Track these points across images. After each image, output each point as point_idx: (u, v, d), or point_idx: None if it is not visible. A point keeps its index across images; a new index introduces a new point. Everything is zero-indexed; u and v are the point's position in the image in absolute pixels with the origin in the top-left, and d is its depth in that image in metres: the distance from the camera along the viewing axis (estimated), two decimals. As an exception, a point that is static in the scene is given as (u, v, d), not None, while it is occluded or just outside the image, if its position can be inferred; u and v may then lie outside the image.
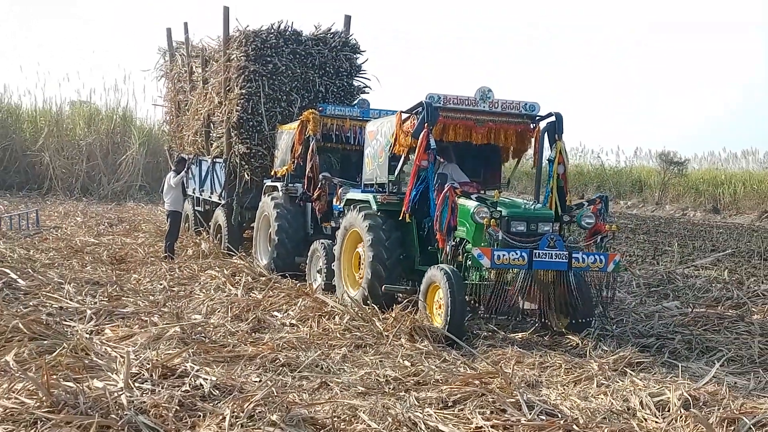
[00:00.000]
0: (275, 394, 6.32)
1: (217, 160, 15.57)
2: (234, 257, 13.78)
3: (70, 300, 9.80)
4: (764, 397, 7.07)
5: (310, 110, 12.63)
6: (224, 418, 5.75)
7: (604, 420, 6.31)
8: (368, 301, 9.81)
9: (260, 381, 6.95)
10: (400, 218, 9.85)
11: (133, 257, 14.42)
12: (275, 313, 9.83)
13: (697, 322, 10.02)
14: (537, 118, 10.18)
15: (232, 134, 14.67)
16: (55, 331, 8.02)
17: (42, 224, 18.66)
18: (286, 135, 13.24)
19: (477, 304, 9.05)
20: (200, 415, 5.93)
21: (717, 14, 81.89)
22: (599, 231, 9.43)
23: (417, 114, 9.69)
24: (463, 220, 9.19)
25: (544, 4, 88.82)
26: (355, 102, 14.50)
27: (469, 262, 8.96)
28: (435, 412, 6.26)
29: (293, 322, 9.46)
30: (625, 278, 13.54)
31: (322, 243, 11.56)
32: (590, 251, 9.26)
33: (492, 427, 5.99)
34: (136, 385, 6.41)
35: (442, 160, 9.91)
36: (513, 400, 6.47)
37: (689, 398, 6.68)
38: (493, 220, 8.83)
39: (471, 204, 9.17)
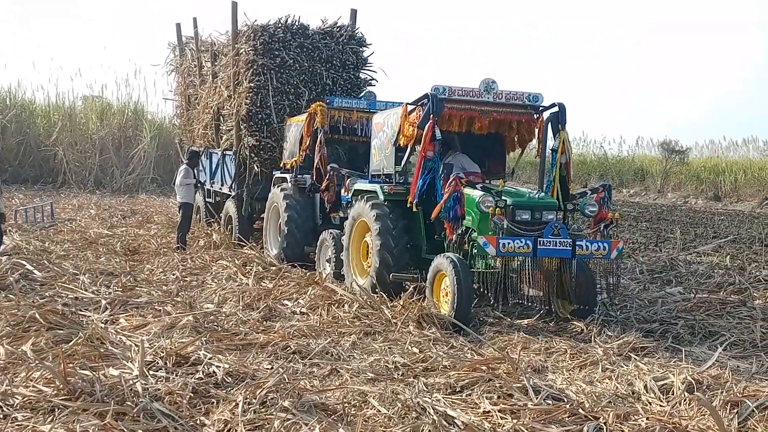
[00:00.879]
0: (287, 380, 6.41)
1: (227, 152, 15.67)
2: (245, 247, 13.84)
3: (85, 290, 9.90)
4: (766, 380, 7.09)
5: (318, 103, 12.69)
6: (237, 404, 5.84)
7: (609, 404, 6.36)
8: (376, 290, 9.90)
9: (272, 368, 7.02)
10: (407, 207, 9.93)
11: (146, 248, 14.52)
12: (286, 302, 9.91)
13: (700, 308, 10.06)
14: (540, 108, 10.22)
15: (242, 127, 14.77)
16: (71, 321, 8.15)
17: (57, 217, 18.81)
18: (295, 127, 13.31)
19: (485, 292, 9.16)
20: (213, 402, 6.03)
21: (716, 13, 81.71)
22: (602, 219, 9.50)
23: (422, 105, 9.74)
24: (469, 209, 9.26)
25: (544, 4, 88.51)
26: (362, 94, 14.51)
27: (475, 251, 9.06)
28: (443, 398, 6.33)
29: (303, 310, 9.54)
30: (629, 265, 13.55)
31: (330, 233, 11.63)
32: (594, 239, 9.33)
33: (499, 411, 6.05)
34: (151, 372, 6.53)
35: (453, 151, 9.99)
36: (519, 385, 6.54)
37: (693, 382, 6.73)
38: (498, 209, 8.90)
39: (476, 193, 9.25)
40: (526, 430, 5.68)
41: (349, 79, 15.09)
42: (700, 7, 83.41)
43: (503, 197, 9.15)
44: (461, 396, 6.49)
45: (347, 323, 8.93)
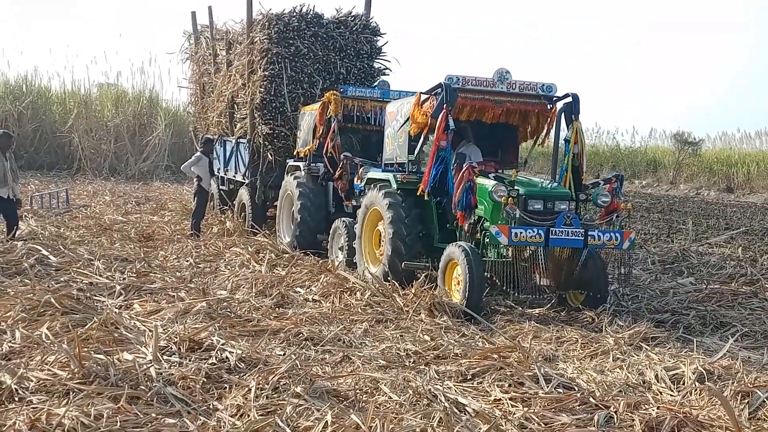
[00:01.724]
0: (299, 366, 6.44)
1: (241, 140, 15.72)
2: (258, 235, 13.90)
3: (100, 276, 9.95)
4: (777, 371, 7.06)
5: (332, 91, 12.71)
6: (250, 389, 5.87)
7: (619, 393, 6.38)
8: (389, 278, 9.94)
9: (284, 354, 7.07)
10: (419, 196, 9.96)
11: (160, 235, 14.60)
12: (298, 289, 9.96)
13: (712, 298, 10.06)
14: (554, 98, 10.23)
15: (256, 115, 14.81)
16: (86, 306, 8.20)
17: (72, 203, 18.92)
18: (308, 116, 13.35)
19: (496, 281, 9.19)
20: (226, 387, 6.07)
21: (729, 6, 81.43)
22: (614, 209, 9.52)
23: (436, 95, 9.77)
24: (482, 198, 9.29)
25: (544, 4, 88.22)
26: (376, 83, 14.57)
27: (487, 240, 9.11)
28: (454, 385, 6.37)
29: (316, 297, 9.59)
30: (641, 255, 13.54)
31: (343, 221, 11.67)
32: (606, 229, 9.34)
33: (510, 399, 6.09)
34: (165, 357, 6.57)
35: (465, 141, 10.00)
36: (531, 373, 6.57)
37: (704, 372, 6.73)
38: (510, 198, 8.92)
39: (489, 183, 9.27)
40: (537, 418, 5.70)
41: (362, 68, 15.10)
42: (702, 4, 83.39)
43: (516, 187, 9.16)
44: (472, 384, 6.53)
45: (359, 311, 8.97)
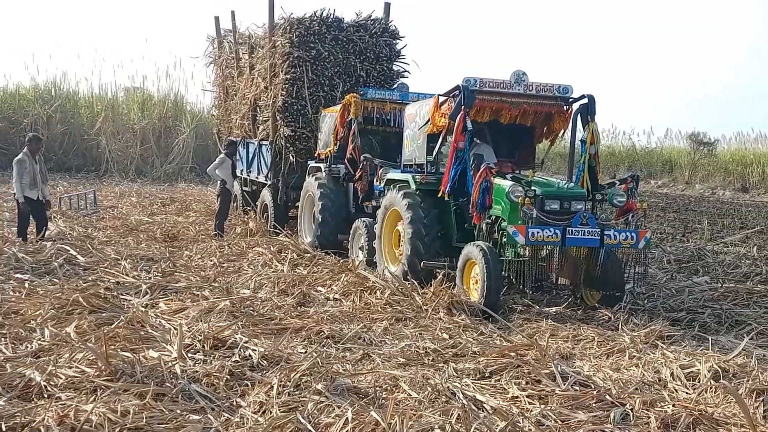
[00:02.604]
0: (320, 364, 6.54)
1: (264, 142, 15.84)
2: (280, 235, 13.95)
3: (126, 275, 10.11)
4: (792, 369, 7.07)
5: (352, 94, 12.82)
6: (272, 387, 5.99)
7: (635, 390, 6.43)
8: (408, 277, 10.03)
9: (306, 352, 7.16)
10: (438, 197, 10.04)
11: (184, 235, 14.76)
12: (319, 288, 10.06)
13: (727, 297, 10.09)
14: (570, 100, 10.28)
15: (278, 118, 14.92)
16: (113, 305, 8.39)
17: (99, 204, 19.07)
18: (329, 118, 13.46)
19: (513, 280, 9.26)
20: (249, 384, 6.19)
21: (745, 9, 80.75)
22: (630, 209, 9.58)
23: (454, 97, 9.85)
24: (499, 198, 9.37)
25: (561, 3, 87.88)
26: (395, 86, 14.67)
27: (505, 239, 9.19)
28: (472, 383, 6.45)
29: (336, 296, 9.68)
30: (656, 255, 13.57)
31: (363, 221, 11.77)
32: (622, 228, 9.39)
33: (527, 396, 6.17)
34: (189, 355, 6.72)
35: (477, 141, 10.08)
36: (548, 371, 6.64)
37: (719, 370, 6.77)
38: (527, 198, 8.98)
39: (506, 183, 9.35)
40: (554, 415, 5.76)
41: (382, 71, 15.19)
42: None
43: (533, 187, 9.23)
44: (490, 381, 6.60)
45: (379, 309, 9.06)
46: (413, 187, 10.38)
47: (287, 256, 11.96)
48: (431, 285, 9.54)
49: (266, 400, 5.84)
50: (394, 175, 11.15)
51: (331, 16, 14.94)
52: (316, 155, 14.08)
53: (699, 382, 6.66)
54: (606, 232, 9.07)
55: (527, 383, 6.51)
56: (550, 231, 8.85)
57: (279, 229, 14.49)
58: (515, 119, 10.22)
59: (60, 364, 6.26)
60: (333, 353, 7.28)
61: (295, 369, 6.37)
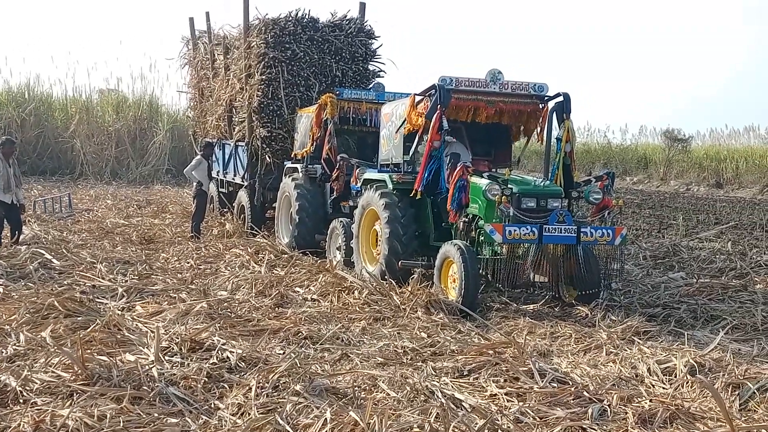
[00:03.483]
0: (298, 365, 6.51)
1: (240, 143, 15.81)
2: (257, 236, 13.98)
3: (102, 278, 10.04)
4: (767, 362, 7.15)
5: (328, 94, 12.84)
6: (250, 388, 5.97)
7: (613, 386, 6.45)
8: (386, 276, 10.04)
9: (284, 353, 7.13)
10: (415, 196, 10.05)
11: (161, 237, 14.68)
12: (297, 289, 10.03)
13: (702, 292, 10.14)
14: (545, 98, 10.33)
15: (254, 119, 14.93)
16: (89, 308, 8.29)
17: (74, 207, 18.94)
18: (305, 118, 13.46)
19: (490, 278, 9.29)
20: (227, 386, 6.16)
21: (718, 5, 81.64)
22: (606, 206, 9.63)
23: (430, 96, 9.87)
24: (476, 197, 9.39)
25: (535, 2, 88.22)
26: (371, 86, 14.73)
27: (482, 238, 9.18)
28: (451, 381, 6.45)
29: (314, 297, 9.66)
30: (632, 251, 13.66)
31: (341, 221, 11.76)
32: (598, 225, 9.45)
33: (506, 394, 6.18)
34: (166, 358, 6.68)
35: (453, 139, 10.10)
36: (526, 368, 6.66)
37: (695, 365, 6.82)
38: (504, 197, 9.01)
39: (483, 182, 9.38)
40: (532, 412, 5.78)
41: (358, 71, 15.22)
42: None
43: (509, 185, 9.25)
44: (469, 379, 6.61)
45: (357, 309, 9.05)
46: (390, 186, 10.38)
47: (265, 257, 11.96)
48: (409, 284, 9.55)
49: (244, 401, 5.82)
50: (371, 174, 11.15)
51: (307, 17, 14.94)
52: (292, 156, 14.06)
53: (675, 377, 6.70)
54: (582, 230, 9.12)
55: (505, 381, 6.53)
56: (527, 229, 8.88)
57: (256, 230, 14.50)
58: (491, 118, 10.24)
59: (35, 368, 6.20)
60: (311, 354, 7.25)
61: (274, 370, 6.34)
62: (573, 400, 6.07)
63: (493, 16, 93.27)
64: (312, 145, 13.01)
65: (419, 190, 9.92)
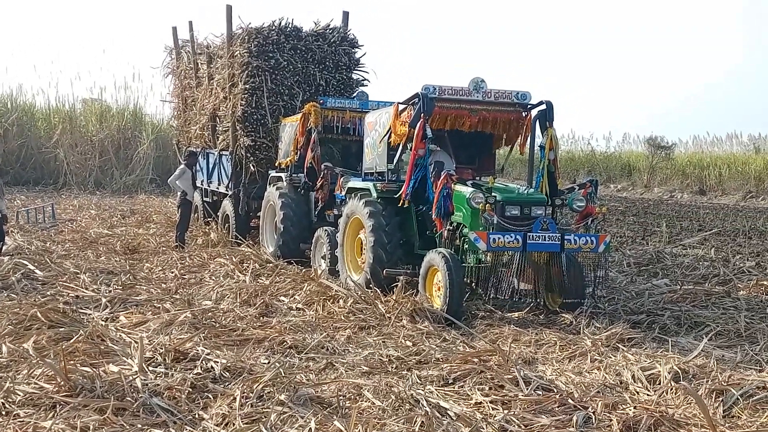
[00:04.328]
0: (283, 374, 6.52)
1: (224, 152, 15.79)
2: (242, 245, 13.96)
3: (86, 289, 10.01)
4: (751, 369, 7.20)
5: (312, 103, 12.84)
6: (235, 398, 5.95)
7: (597, 393, 6.46)
8: (371, 285, 10.03)
9: (268, 363, 7.12)
10: (399, 205, 10.07)
11: (145, 247, 14.64)
12: (282, 298, 10.02)
13: (686, 299, 10.19)
14: (528, 106, 10.36)
15: (238, 128, 14.90)
16: (72, 319, 8.26)
17: (58, 217, 18.92)
18: (289, 127, 13.46)
19: (475, 286, 9.31)
20: (212, 396, 6.13)
21: (699, 12, 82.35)
22: (590, 213, 9.64)
23: (413, 105, 9.89)
24: (460, 205, 9.40)
25: (518, 7, 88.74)
26: (355, 94, 14.73)
27: (466, 246, 9.20)
28: (436, 389, 6.45)
29: (299, 306, 9.65)
30: (616, 258, 13.72)
31: (325, 230, 11.74)
32: (582, 233, 9.48)
33: (491, 402, 6.18)
34: (150, 368, 6.64)
35: (437, 148, 10.12)
36: (510, 376, 6.66)
37: (679, 371, 6.85)
38: (488, 205, 9.03)
39: (467, 190, 9.39)
40: (517, 420, 5.79)
41: (341, 79, 15.25)
42: (684, 5, 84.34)
43: (493, 193, 9.29)
44: (454, 388, 6.61)
45: (342, 318, 9.04)
46: (374, 195, 10.39)
47: (249, 266, 11.93)
48: (394, 293, 9.56)
49: (229, 411, 5.79)
50: (355, 183, 11.16)
51: (290, 26, 14.97)
52: (276, 165, 14.06)
53: (659, 383, 6.73)
54: (566, 237, 9.15)
55: (490, 389, 6.53)
56: (511, 237, 8.90)
57: (241, 240, 14.49)
58: (474, 126, 10.26)
59: (18, 380, 6.17)
60: (296, 363, 7.24)
61: (258, 380, 6.33)
62: (558, 407, 6.08)
63: (479, 21, 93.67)
64: (296, 154, 13.00)
65: (406, 198, 9.91)
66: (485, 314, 9.41)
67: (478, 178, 10.40)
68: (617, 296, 10.58)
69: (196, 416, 5.81)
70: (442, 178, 9.37)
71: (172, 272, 11.87)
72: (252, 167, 14.91)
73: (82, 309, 9.06)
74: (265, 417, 5.65)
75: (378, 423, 5.59)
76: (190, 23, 17.61)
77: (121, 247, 14.30)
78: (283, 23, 14.91)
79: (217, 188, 16.59)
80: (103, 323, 8.34)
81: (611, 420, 5.86)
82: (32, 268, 10.98)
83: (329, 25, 15.45)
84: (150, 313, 8.95)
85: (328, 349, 7.76)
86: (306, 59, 14.91)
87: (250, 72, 14.57)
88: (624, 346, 8.01)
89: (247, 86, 14.58)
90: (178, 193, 15.15)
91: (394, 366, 7.24)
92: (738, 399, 6.26)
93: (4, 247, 12.42)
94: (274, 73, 14.63)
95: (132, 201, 25.50)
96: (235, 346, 7.74)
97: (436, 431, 5.39)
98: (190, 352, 7.13)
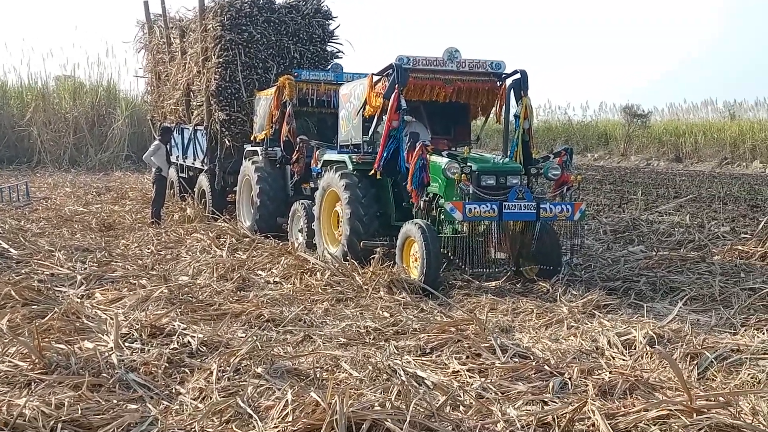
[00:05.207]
0: (260, 348, 6.50)
1: (199, 127, 15.68)
2: (218, 220, 13.88)
3: (61, 267, 9.92)
4: (725, 332, 7.31)
5: (286, 76, 12.78)
6: (211, 372, 5.93)
7: (573, 360, 6.54)
8: (348, 257, 10.03)
9: (245, 336, 7.11)
10: (375, 176, 10.06)
11: (121, 224, 14.56)
12: (259, 272, 10.00)
13: (661, 265, 10.26)
14: (503, 75, 10.34)
15: (212, 102, 14.79)
16: (47, 297, 8.17)
17: (32, 195, 18.74)
18: (264, 101, 13.39)
19: (451, 256, 9.34)
20: (188, 371, 6.11)
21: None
22: (565, 182, 9.68)
23: (388, 76, 9.85)
24: (435, 176, 9.40)
25: None
26: (329, 67, 14.67)
27: (443, 216, 9.22)
28: (414, 359, 6.48)
29: (277, 279, 9.64)
30: (593, 226, 13.81)
31: (302, 203, 11.72)
32: (557, 201, 9.52)
33: (468, 370, 6.22)
34: (126, 344, 6.60)
35: (412, 119, 10.09)
36: (487, 344, 6.70)
37: (654, 336, 6.93)
38: (463, 175, 9.04)
39: (442, 160, 9.38)
40: (494, 387, 5.82)
41: (316, 52, 15.12)
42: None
43: (468, 163, 9.28)
44: (431, 357, 6.64)
45: (319, 291, 9.05)
46: (350, 167, 10.36)
47: (226, 241, 11.86)
48: (371, 264, 9.56)
49: (206, 386, 5.78)
50: (331, 156, 11.11)
51: (263, -2, 14.79)
52: (252, 139, 13.99)
53: (635, 348, 6.80)
54: (542, 206, 9.18)
55: (467, 357, 6.56)
56: (487, 206, 8.91)
57: (217, 215, 14.44)
58: (449, 96, 10.23)
59: (-8, 359, 6.10)
60: (273, 336, 7.25)
61: (235, 354, 6.31)
62: (534, 374, 6.13)
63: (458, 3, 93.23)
64: (271, 127, 12.94)
65: (378, 170, 9.89)
66: (462, 284, 9.42)
67: (453, 148, 10.39)
68: (593, 263, 10.65)
69: (173, 391, 5.79)
70: (417, 149, 9.35)
71: (148, 248, 11.80)
72: (227, 142, 14.82)
73: (57, 287, 8.97)
74: (242, 390, 5.64)
75: (355, 393, 5.59)
76: (162, -3, 17.41)
77: (97, 225, 14.21)
78: (255, -5, 14.73)
79: (193, 163, 16.48)
80: (79, 300, 8.28)
81: (587, 385, 5.90)
82: (6, 246, 10.86)
83: (303, -3, 15.29)
84: (126, 289, 8.89)
85: (305, 322, 7.77)
86: (279, 32, 14.76)
87: (224, 45, 14.43)
88: (600, 312, 8.08)
89: (221, 60, 14.45)
90: (153, 170, 15.04)
91: (372, 337, 7.25)
92: (712, 362, 6.33)
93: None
94: (247, 47, 14.49)
95: (107, 178, 25.33)
96: (212, 321, 7.70)
97: (413, 400, 5.37)
98: (167, 327, 7.10)
